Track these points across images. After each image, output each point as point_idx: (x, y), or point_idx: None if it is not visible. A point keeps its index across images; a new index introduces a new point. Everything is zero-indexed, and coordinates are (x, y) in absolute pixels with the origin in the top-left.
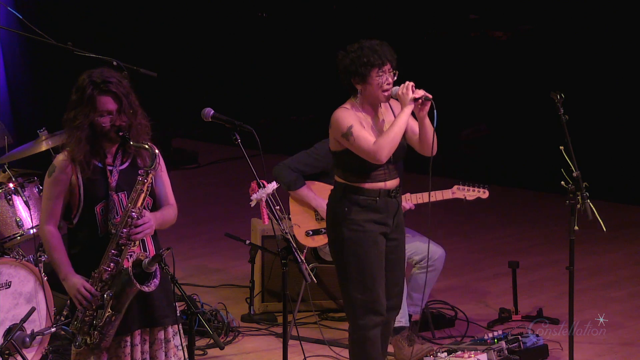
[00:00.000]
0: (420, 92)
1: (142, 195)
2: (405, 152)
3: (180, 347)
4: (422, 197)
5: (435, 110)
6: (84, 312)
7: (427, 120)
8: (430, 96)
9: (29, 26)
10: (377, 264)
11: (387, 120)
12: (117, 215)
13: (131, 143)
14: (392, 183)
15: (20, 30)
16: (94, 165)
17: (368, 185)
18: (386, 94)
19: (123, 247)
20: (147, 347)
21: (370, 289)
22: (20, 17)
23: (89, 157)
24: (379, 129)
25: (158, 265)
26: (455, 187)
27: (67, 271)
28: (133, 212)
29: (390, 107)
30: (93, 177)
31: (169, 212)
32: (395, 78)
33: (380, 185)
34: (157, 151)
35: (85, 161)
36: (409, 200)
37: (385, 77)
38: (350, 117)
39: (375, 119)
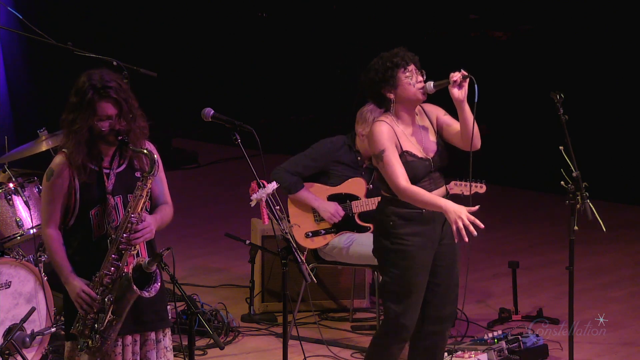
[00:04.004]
0: (457, 74)
1: (142, 201)
2: (448, 157)
3: (169, 349)
4: None
5: (476, 85)
6: (86, 315)
7: (467, 107)
8: (467, 73)
9: (29, 26)
10: (417, 280)
11: (425, 126)
12: (115, 219)
13: (130, 148)
14: (438, 192)
15: (20, 30)
16: (90, 169)
17: None
18: (422, 90)
19: (123, 252)
20: (137, 347)
21: (403, 301)
22: (20, 17)
23: (87, 161)
24: (419, 139)
25: (158, 266)
26: (453, 182)
27: (68, 274)
28: (133, 217)
29: (425, 112)
30: (89, 181)
31: (167, 211)
32: (425, 77)
33: None
34: (156, 156)
35: (82, 165)
36: None
37: (414, 77)
38: (384, 138)
39: (414, 127)
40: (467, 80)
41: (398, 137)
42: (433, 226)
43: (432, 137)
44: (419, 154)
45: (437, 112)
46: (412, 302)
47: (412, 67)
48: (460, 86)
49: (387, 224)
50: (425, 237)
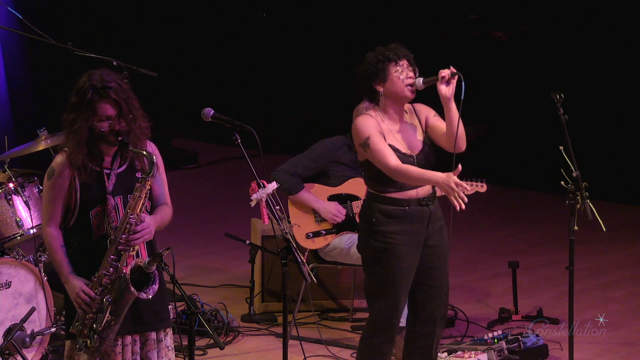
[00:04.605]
0: (446, 71)
1: (141, 202)
2: (436, 157)
3: (171, 348)
4: None
5: (463, 83)
6: (85, 314)
7: (454, 105)
8: (455, 70)
9: (29, 26)
10: (401, 277)
11: (414, 124)
12: (115, 220)
13: (130, 149)
14: (424, 191)
15: (20, 30)
16: (90, 169)
17: (397, 195)
18: (410, 88)
19: (122, 253)
20: (137, 347)
21: (389, 300)
22: (20, 17)
23: (87, 161)
24: (405, 136)
25: (157, 266)
26: None
27: (67, 274)
28: (132, 218)
29: (415, 111)
30: (89, 181)
31: (166, 212)
32: (417, 75)
33: (411, 193)
34: (155, 158)
35: (83, 165)
36: None
37: (405, 73)
38: (369, 127)
39: (402, 124)
40: (456, 77)
41: (383, 131)
42: (418, 225)
43: (419, 136)
44: (403, 150)
45: (428, 113)
46: (398, 301)
47: (404, 62)
48: (448, 83)
49: (370, 220)
50: (410, 236)
